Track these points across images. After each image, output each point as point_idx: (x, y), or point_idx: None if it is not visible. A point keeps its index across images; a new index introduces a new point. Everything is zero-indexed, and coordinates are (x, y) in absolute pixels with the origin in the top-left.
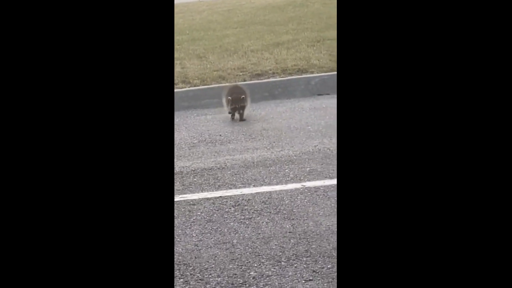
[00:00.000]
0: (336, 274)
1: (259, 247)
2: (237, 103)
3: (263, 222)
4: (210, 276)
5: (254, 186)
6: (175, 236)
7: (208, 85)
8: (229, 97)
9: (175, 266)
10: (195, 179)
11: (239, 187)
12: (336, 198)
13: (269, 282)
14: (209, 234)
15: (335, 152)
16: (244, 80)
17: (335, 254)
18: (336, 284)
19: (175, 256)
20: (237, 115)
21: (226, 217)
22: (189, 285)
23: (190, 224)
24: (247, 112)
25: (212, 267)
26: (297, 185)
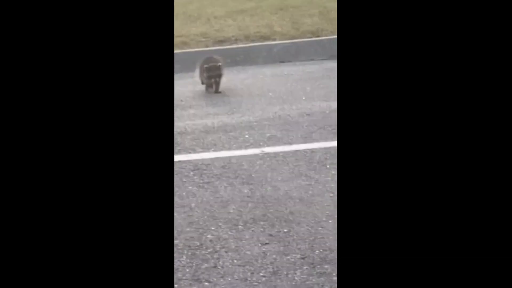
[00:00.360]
0: (293, 238)
1: (217, 210)
2: (213, 72)
3: (221, 186)
4: None
5: (213, 151)
6: None
7: None
8: (205, 66)
9: None
10: None
11: (199, 152)
12: (295, 164)
13: (226, 245)
14: None
15: (295, 118)
16: (207, 46)
17: (291, 218)
18: (291, 249)
19: None
20: (210, 89)
21: (185, 181)
22: None
23: None
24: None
25: None
26: (257, 151)
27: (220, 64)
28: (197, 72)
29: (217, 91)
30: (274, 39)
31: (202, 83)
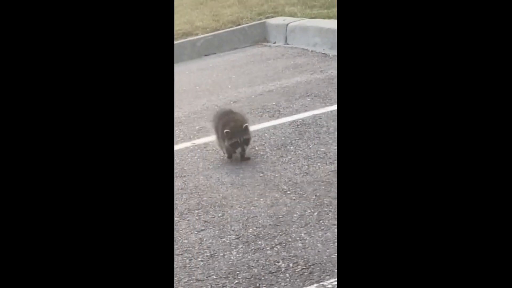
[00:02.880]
0: (227, 221)
1: None
2: (239, 137)
3: None
4: None
5: None
6: None
7: None
8: (226, 130)
9: None
10: None
11: None
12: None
13: None
14: None
15: (222, 108)
16: None
17: (224, 202)
18: (226, 231)
19: None
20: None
21: None
22: None
23: None
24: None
25: None
26: (187, 144)
27: (246, 124)
28: (215, 135)
29: (244, 159)
30: (197, 34)
31: (228, 155)
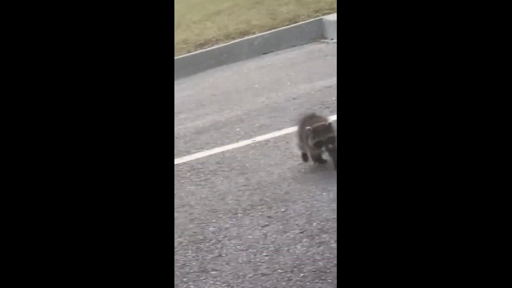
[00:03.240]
0: (291, 216)
1: (216, 204)
2: (323, 135)
3: (218, 181)
4: None
5: (207, 149)
6: None
7: None
8: (308, 128)
9: None
10: None
11: (193, 153)
12: (286, 147)
13: (228, 234)
14: None
15: (282, 104)
16: (189, 51)
17: (287, 198)
18: (290, 226)
19: None
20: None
21: (183, 182)
22: None
23: None
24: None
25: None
26: (248, 141)
27: (330, 122)
28: (292, 140)
29: (322, 162)
30: (254, 33)
31: (304, 157)
